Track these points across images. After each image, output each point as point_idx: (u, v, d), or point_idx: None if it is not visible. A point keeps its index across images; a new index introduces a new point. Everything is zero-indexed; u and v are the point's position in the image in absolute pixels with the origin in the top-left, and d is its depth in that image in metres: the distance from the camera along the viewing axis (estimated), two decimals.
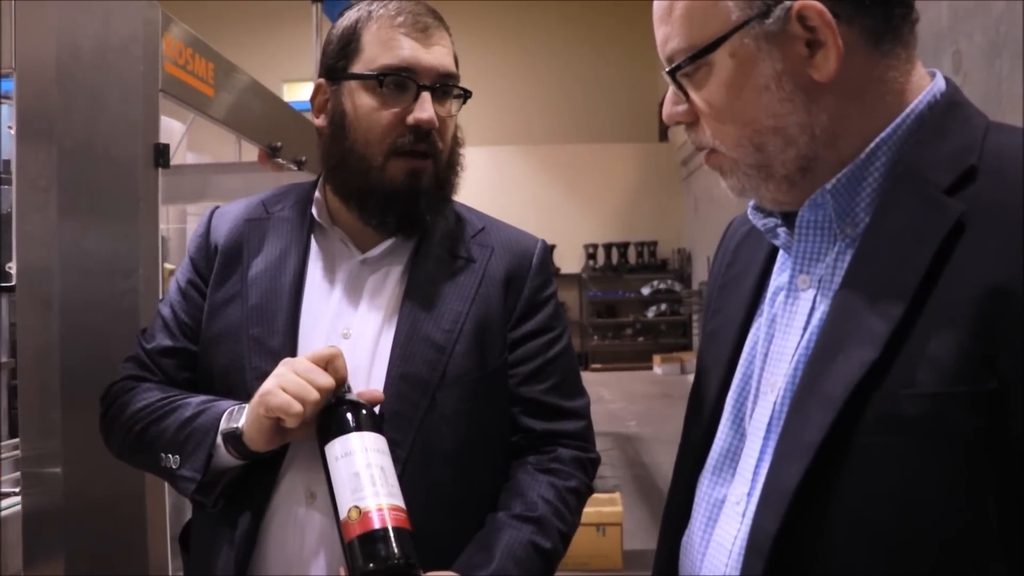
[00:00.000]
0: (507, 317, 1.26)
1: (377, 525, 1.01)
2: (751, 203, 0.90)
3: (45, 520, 1.90)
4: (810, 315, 0.82)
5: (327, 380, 1.09)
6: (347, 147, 1.21)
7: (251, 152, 3.31)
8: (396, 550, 1.00)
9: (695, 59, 0.81)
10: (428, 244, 1.26)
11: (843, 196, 0.80)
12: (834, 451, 0.72)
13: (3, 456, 2.18)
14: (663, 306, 10.40)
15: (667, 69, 0.84)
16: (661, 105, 0.92)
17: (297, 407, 1.07)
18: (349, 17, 1.24)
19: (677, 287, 10.80)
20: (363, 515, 1.01)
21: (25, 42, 1.92)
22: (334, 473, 1.06)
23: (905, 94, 0.80)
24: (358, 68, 1.21)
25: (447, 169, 1.25)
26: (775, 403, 0.81)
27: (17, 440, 1.99)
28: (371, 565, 0.99)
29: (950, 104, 0.80)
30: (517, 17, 9.01)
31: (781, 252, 0.90)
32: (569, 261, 9.23)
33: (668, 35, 0.83)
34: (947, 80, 0.83)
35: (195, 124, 2.88)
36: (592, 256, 9.44)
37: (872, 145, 0.79)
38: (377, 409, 1.14)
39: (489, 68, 8.70)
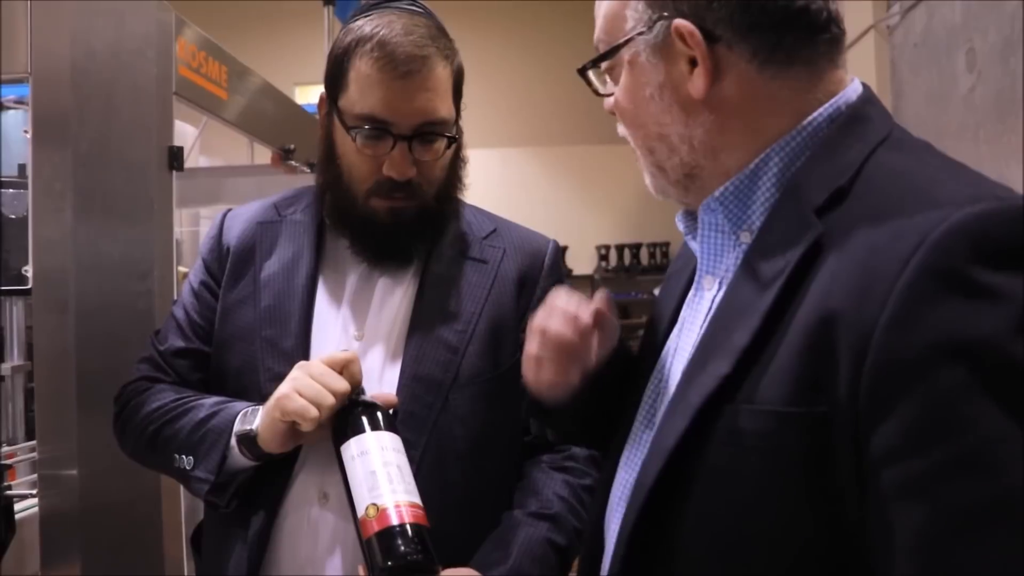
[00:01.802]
0: (520, 317, 1.26)
1: (395, 521, 1.01)
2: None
3: (62, 521, 1.90)
4: (707, 315, 0.85)
5: (343, 384, 1.10)
6: (336, 174, 1.22)
7: (263, 155, 3.32)
8: (414, 546, 1.00)
9: (599, 61, 0.87)
10: (440, 246, 1.26)
11: (733, 204, 0.82)
12: (690, 456, 0.75)
13: (20, 458, 2.19)
14: None
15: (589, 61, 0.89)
16: None
17: (313, 412, 1.07)
18: (348, 34, 1.19)
19: None
20: (381, 512, 1.02)
21: (40, 46, 1.92)
22: (351, 472, 1.06)
23: (803, 110, 0.80)
24: (342, 104, 1.19)
25: (438, 202, 1.23)
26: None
27: (34, 443, 2.00)
28: (390, 562, 1.00)
29: (852, 118, 0.80)
30: (528, 18, 8.99)
31: None
32: (581, 262, 9.19)
33: (597, 28, 0.88)
34: (864, 90, 0.83)
35: (207, 127, 2.89)
36: (604, 257, 9.40)
37: (758, 158, 0.81)
38: (391, 412, 1.15)
39: (500, 70, 8.68)
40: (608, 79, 0.89)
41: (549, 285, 1.29)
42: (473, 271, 1.26)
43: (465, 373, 1.20)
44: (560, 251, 1.36)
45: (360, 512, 1.03)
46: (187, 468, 1.17)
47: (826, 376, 0.68)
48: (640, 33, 0.82)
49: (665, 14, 0.80)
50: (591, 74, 0.90)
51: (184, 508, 2.12)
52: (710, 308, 0.85)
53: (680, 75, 0.81)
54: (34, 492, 1.97)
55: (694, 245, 0.90)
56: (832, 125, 0.80)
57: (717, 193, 0.83)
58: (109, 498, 1.93)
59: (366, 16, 1.20)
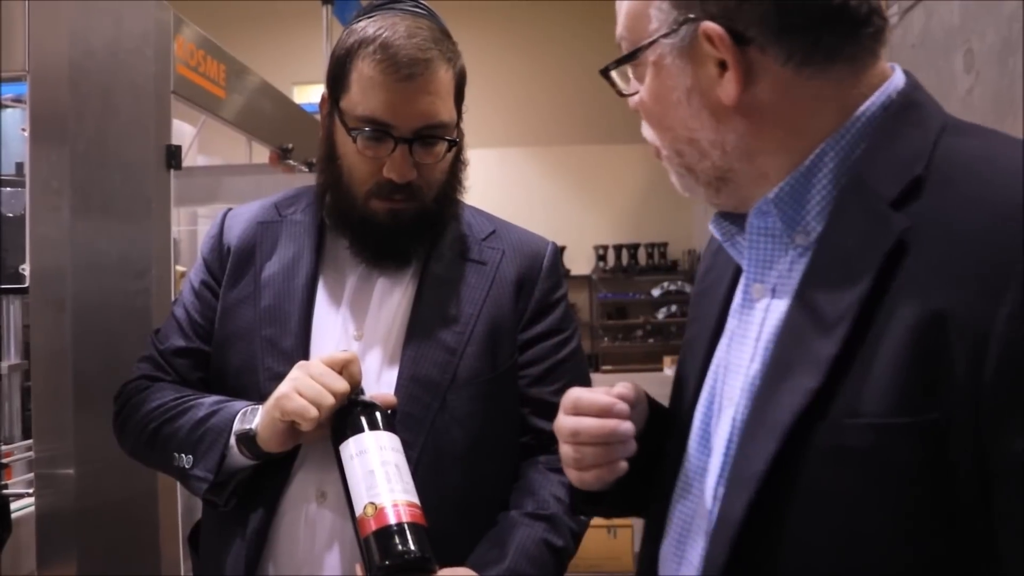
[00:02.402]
0: (518, 319, 1.26)
1: (392, 520, 1.01)
2: (716, 211, 0.87)
3: (58, 521, 1.90)
4: (761, 326, 0.79)
5: (342, 385, 1.10)
6: (337, 174, 1.22)
7: (261, 154, 3.32)
8: (412, 545, 1.00)
9: (622, 61, 0.82)
10: (439, 247, 1.26)
11: (788, 205, 0.77)
12: (781, 481, 0.70)
13: (16, 457, 2.19)
14: (673, 307, 10.37)
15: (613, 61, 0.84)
16: None
17: (313, 412, 1.07)
18: (351, 35, 1.19)
19: (687, 288, 10.79)
20: (378, 511, 1.02)
21: (38, 45, 1.93)
22: (349, 471, 1.06)
23: (849, 105, 0.75)
24: (344, 105, 1.18)
25: (437, 204, 1.23)
26: (734, 418, 0.79)
27: (30, 441, 2.00)
28: (387, 561, 1.00)
29: (905, 104, 0.75)
30: (528, 18, 9.00)
31: None
32: (579, 263, 9.20)
33: (619, 24, 0.83)
34: (908, 76, 0.78)
35: (204, 126, 2.89)
36: (602, 258, 9.40)
37: (813, 155, 0.75)
38: (390, 412, 1.15)
39: (498, 70, 8.68)
40: (632, 76, 0.84)
41: (547, 287, 1.29)
42: (472, 273, 1.26)
43: (463, 374, 1.20)
44: (559, 253, 1.36)
45: (358, 511, 1.03)
46: (186, 467, 1.17)
47: (937, 380, 0.63)
48: (665, 35, 0.76)
49: (692, 16, 0.75)
50: (613, 73, 0.84)
51: (181, 507, 2.12)
52: (764, 319, 0.79)
53: (709, 79, 0.75)
54: (30, 491, 1.97)
55: (734, 252, 0.84)
56: (886, 113, 0.75)
57: (772, 195, 0.77)
58: (105, 497, 1.94)
59: (369, 17, 1.19)
